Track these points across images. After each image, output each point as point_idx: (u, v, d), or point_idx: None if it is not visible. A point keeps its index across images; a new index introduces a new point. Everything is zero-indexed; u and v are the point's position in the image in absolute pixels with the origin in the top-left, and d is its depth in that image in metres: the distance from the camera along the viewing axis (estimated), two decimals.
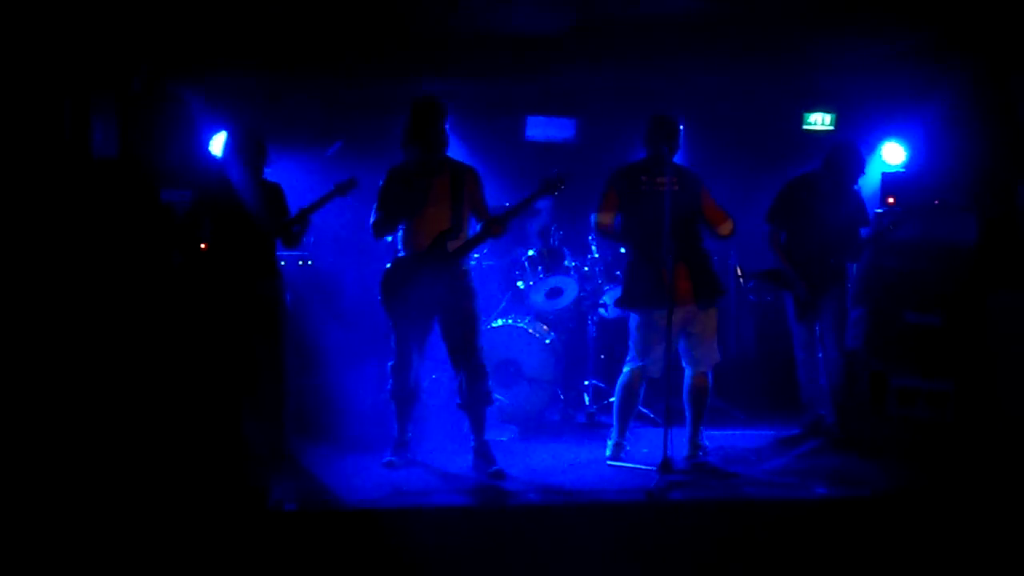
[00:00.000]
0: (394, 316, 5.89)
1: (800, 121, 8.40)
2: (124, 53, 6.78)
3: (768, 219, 6.72)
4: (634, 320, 6.07)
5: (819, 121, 8.42)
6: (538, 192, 5.88)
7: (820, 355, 6.75)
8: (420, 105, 5.83)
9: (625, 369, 6.14)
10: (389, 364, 5.97)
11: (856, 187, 6.76)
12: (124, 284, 2.33)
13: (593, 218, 6.11)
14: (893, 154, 8.18)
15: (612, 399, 6.31)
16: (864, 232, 6.75)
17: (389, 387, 6.00)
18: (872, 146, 8.34)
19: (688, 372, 6.06)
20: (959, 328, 7.01)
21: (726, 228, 6.08)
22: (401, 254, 5.90)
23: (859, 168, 6.60)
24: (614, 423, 6.19)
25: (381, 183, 5.93)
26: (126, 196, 6.23)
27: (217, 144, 7.48)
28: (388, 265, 5.96)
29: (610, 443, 6.18)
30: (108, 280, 2.26)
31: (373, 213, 5.90)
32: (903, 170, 8.03)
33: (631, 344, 6.10)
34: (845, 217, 6.61)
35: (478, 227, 5.94)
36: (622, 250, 7.03)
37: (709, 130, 8.29)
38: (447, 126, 5.89)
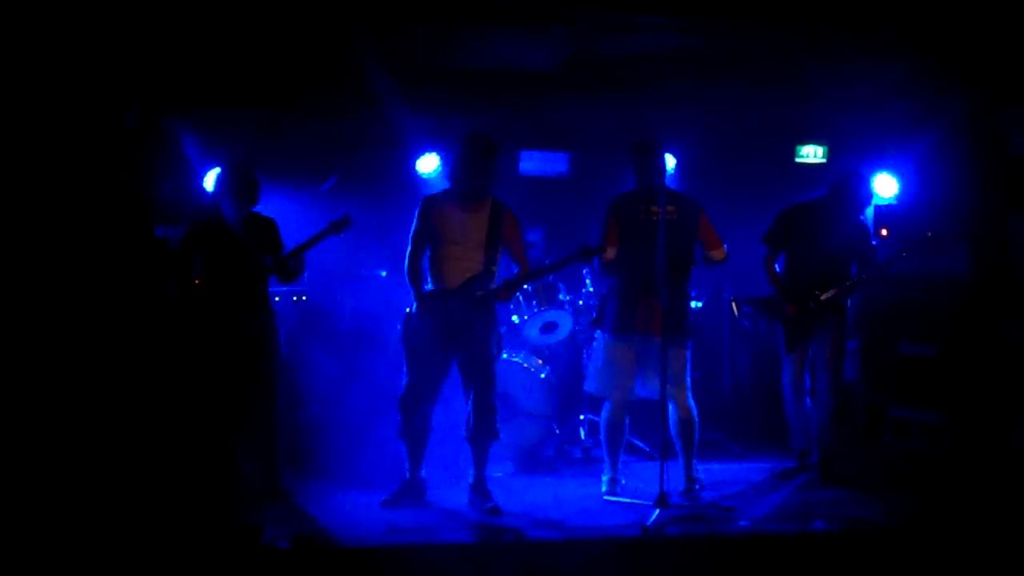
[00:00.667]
0: (413, 353, 5.83)
1: (793, 154, 8.43)
2: (118, 89, 6.80)
3: (764, 240, 6.63)
4: (601, 345, 6.12)
5: (811, 154, 8.44)
6: (575, 255, 5.82)
7: (808, 388, 6.64)
8: (475, 140, 5.82)
9: (607, 404, 6.15)
10: (399, 398, 5.87)
11: (862, 219, 6.70)
12: (118, 318, 2.33)
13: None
14: (885, 186, 8.20)
15: None
16: (855, 269, 6.69)
17: (398, 424, 5.89)
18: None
19: (672, 406, 6.02)
20: (954, 359, 7.02)
21: (719, 254, 6.11)
22: (428, 287, 5.87)
23: (866, 199, 6.57)
24: (605, 459, 6.18)
25: (417, 212, 5.88)
26: (120, 232, 6.22)
27: (211, 180, 7.48)
28: (415, 303, 5.88)
29: (604, 478, 6.16)
30: (102, 314, 2.26)
31: (409, 246, 5.89)
32: (895, 202, 8.06)
33: (597, 376, 6.17)
34: (846, 248, 6.53)
35: (512, 268, 5.96)
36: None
37: (702, 163, 8.30)
38: (496, 164, 5.86)
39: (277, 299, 6.91)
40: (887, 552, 5.17)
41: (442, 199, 5.93)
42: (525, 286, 6.09)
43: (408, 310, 5.90)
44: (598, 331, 6.22)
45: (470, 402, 5.80)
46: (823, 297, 6.36)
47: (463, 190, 5.83)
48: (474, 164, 5.77)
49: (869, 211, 7.96)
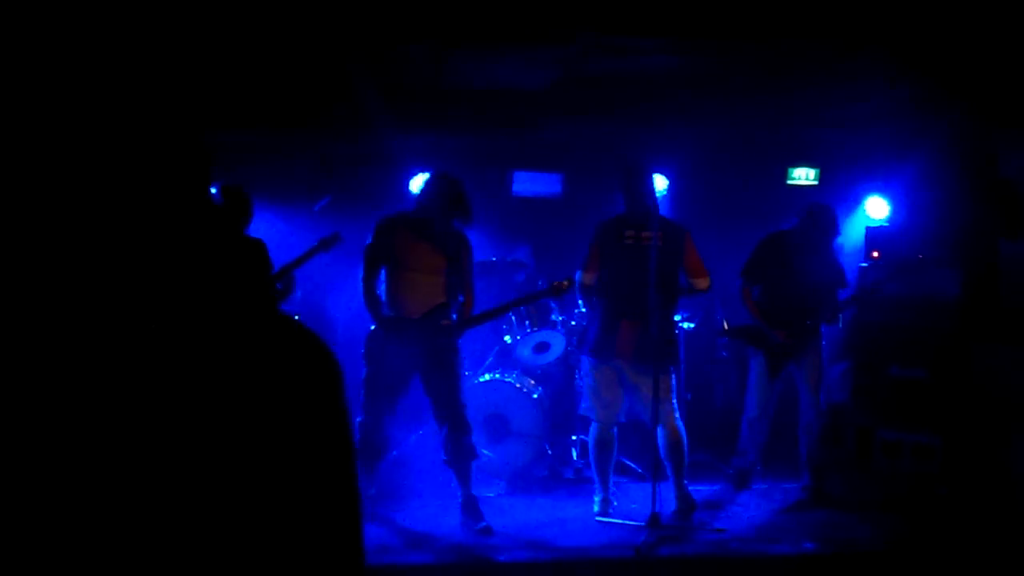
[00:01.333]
0: (372, 376, 5.83)
1: (784, 176, 8.47)
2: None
3: (742, 273, 6.71)
4: (585, 368, 6.19)
5: (803, 176, 8.49)
6: (546, 292, 6.18)
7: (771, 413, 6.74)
8: (444, 178, 5.91)
9: (593, 425, 6.17)
10: (357, 421, 5.86)
11: (835, 248, 6.76)
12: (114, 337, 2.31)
13: (578, 276, 6.13)
14: (877, 209, 8.26)
15: None
16: (842, 294, 6.74)
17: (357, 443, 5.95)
18: (856, 200, 8.42)
19: (660, 429, 6.00)
20: (944, 382, 7.05)
21: (703, 283, 6.14)
22: (388, 312, 5.87)
23: (835, 230, 6.63)
24: (595, 479, 6.19)
25: (374, 232, 5.90)
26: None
27: None
28: (373, 327, 5.91)
29: (597, 499, 6.16)
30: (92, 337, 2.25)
31: (364, 266, 5.90)
32: (887, 224, 8.10)
33: (586, 397, 6.23)
34: (821, 276, 6.60)
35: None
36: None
37: (693, 184, 8.35)
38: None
39: None
40: (878, 573, 5.18)
41: (401, 224, 5.90)
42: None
43: (372, 328, 5.90)
44: (582, 355, 6.25)
45: (444, 426, 5.81)
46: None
47: (428, 221, 5.86)
48: (448, 204, 5.82)
49: (860, 233, 8.02)
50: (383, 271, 5.86)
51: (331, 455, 1.79)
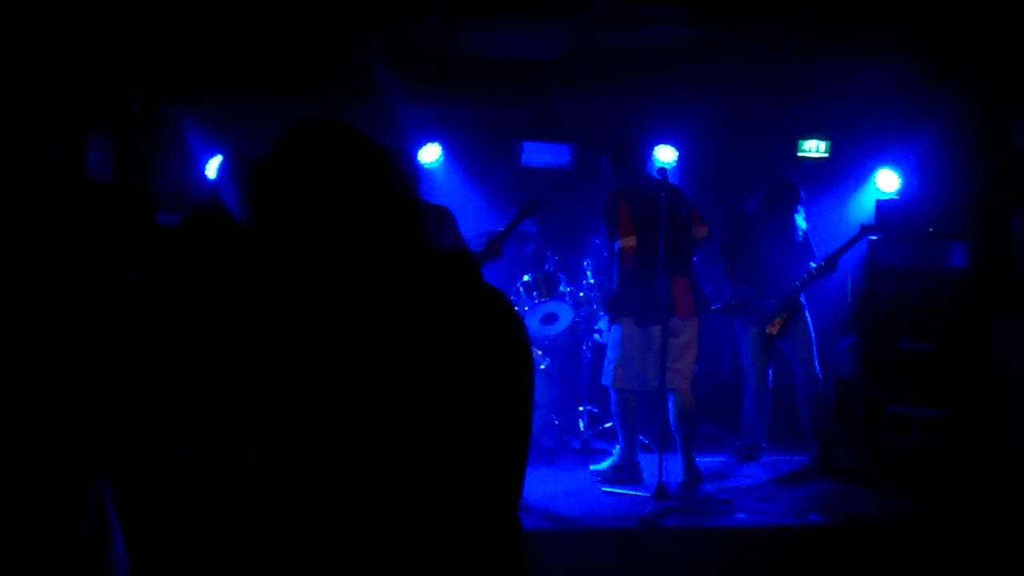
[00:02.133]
0: None
1: (795, 148, 8.43)
2: (120, 76, 6.80)
3: (722, 254, 6.84)
4: (617, 337, 6.14)
5: (814, 148, 8.45)
6: (519, 216, 6.21)
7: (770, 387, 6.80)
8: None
9: (620, 392, 6.17)
10: None
11: (797, 223, 6.75)
12: (118, 305, 2.31)
13: (617, 245, 6.08)
14: (887, 181, 8.21)
15: (608, 424, 6.32)
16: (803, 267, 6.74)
17: None
18: (867, 173, 8.38)
19: (672, 398, 6.05)
20: (953, 355, 7.03)
21: (704, 231, 6.29)
22: None
23: (792, 203, 6.63)
24: (622, 444, 6.22)
25: None
26: (121, 219, 6.21)
27: (212, 168, 7.48)
28: None
29: (609, 463, 6.19)
30: (101, 301, 2.24)
31: None
32: (897, 197, 8.06)
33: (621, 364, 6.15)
34: (789, 250, 6.66)
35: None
36: None
37: (703, 156, 8.32)
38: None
39: None
40: (884, 546, 5.19)
41: None
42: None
43: None
44: (614, 324, 6.22)
45: None
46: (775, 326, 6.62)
47: None
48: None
49: (870, 205, 7.98)
50: None
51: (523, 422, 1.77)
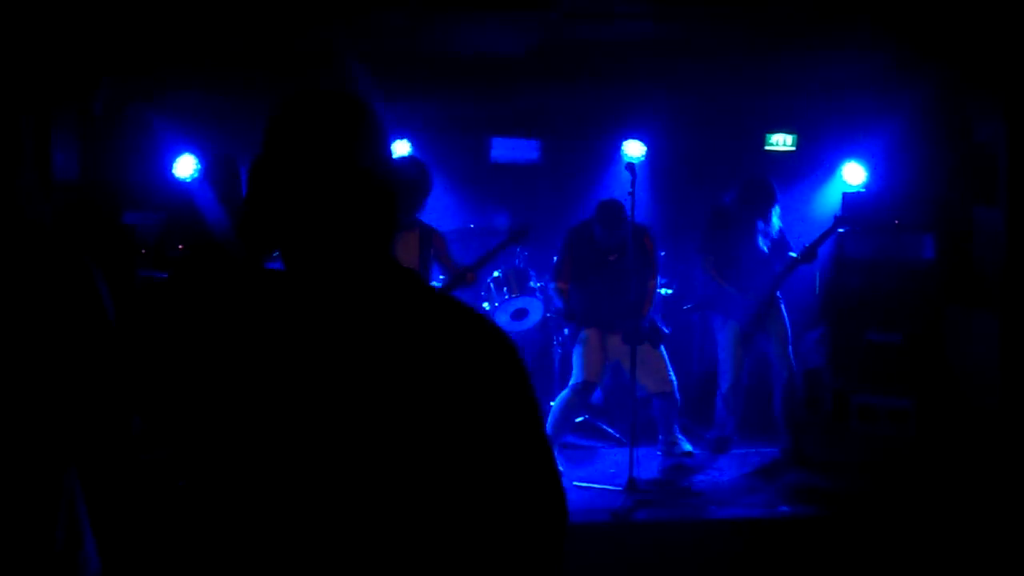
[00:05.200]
0: None
1: (762, 142, 8.48)
2: (85, 74, 6.74)
3: (700, 251, 6.86)
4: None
5: (781, 142, 8.50)
6: (507, 241, 6.24)
7: (745, 383, 6.85)
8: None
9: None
10: None
11: (772, 221, 6.79)
12: (83, 309, 2.29)
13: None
14: (854, 174, 8.27)
15: (579, 420, 6.41)
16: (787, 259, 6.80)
17: None
18: (833, 166, 8.44)
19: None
20: (919, 346, 7.10)
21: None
22: None
23: (768, 202, 6.67)
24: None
25: None
26: (87, 218, 6.18)
27: (182, 166, 7.43)
28: None
29: None
30: (67, 300, 2.24)
31: None
32: (863, 190, 8.13)
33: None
34: (765, 248, 6.70)
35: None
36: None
37: (671, 150, 8.34)
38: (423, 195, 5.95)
39: None
40: (853, 536, 5.24)
41: None
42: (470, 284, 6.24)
43: None
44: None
45: None
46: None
47: None
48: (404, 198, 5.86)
49: (837, 198, 8.04)
50: None
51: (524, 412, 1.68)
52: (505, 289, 7.26)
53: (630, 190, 5.92)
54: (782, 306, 6.75)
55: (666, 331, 6.59)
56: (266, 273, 1.63)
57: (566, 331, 7.03)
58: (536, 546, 1.64)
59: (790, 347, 6.72)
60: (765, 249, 6.67)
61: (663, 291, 7.54)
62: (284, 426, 1.52)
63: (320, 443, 1.52)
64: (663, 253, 6.91)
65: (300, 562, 1.52)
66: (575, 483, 6.05)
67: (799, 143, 8.48)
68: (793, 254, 6.65)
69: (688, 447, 6.59)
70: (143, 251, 6.81)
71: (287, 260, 1.63)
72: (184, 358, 1.56)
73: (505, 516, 1.62)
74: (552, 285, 6.76)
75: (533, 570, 1.63)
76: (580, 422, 6.98)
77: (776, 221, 6.76)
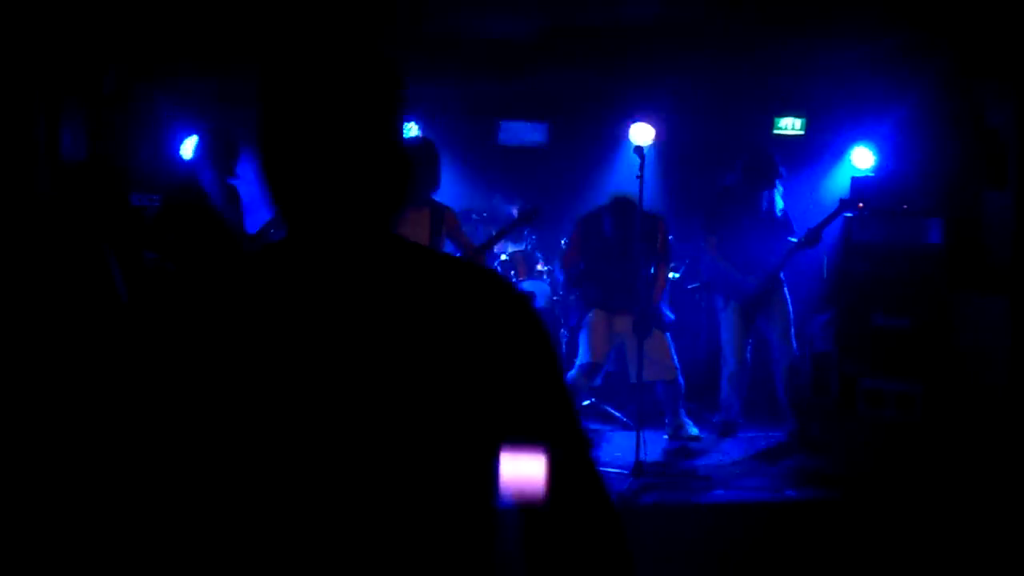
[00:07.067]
0: None
1: (771, 126, 8.45)
2: (93, 54, 6.73)
3: (705, 228, 6.84)
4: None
5: (789, 126, 8.48)
6: (517, 221, 6.27)
7: (749, 365, 6.86)
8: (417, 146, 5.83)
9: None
10: None
11: (776, 201, 6.77)
12: (92, 288, 2.28)
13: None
14: (862, 158, 8.25)
15: (585, 403, 6.40)
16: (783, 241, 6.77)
17: None
18: (842, 150, 8.41)
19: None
20: (927, 331, 7.09)
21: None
22: None
23: (771, 173, 6.63)
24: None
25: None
26: (95, 198, 6.16)
27: (188, 148, 7.43)
28: None
29: None
30: (75, 284, 2.22)
31: None
32: (872, 174, 8.10)
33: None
34: (769, 225, 6.68)
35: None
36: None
37: (680, 134, 8.32)
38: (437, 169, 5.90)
39: None
40: (859, 520, 5.24)
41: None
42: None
43: None
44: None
45: None
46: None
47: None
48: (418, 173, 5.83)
49: (846, 182, 8.01)
50: None
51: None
52: (512, 272, 7.26)
53: (638, 173, 5.91)
54: (785, 290, 6.74)
55: (671, 317, 6.59)
56: (271, 249, 1.57)
57: (572, 318, 7.04)
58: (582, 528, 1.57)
59: (792, 331, 6.72)
60: (769, 229, 6.65)
61: (672, 275, 7.54)
62: (302, 409, 1.44)
63: (341, 424, 1.44)
64: (671, 237, 6.89)
65: (326, 551, 1.44)
66: None
67: (808, 127, 8.46)
68: (793, 239, 6.64)
69: (695, 431, 6.61)
70: (148, 232, 6.82)
71: (294, 228, 1.53)
72: (191, 347, 1.49)
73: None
74: (559, 267, 6.79)
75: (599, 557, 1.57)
76: (587, 405, 6.99)
77: (780, 201, 6.74)
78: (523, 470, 1.55)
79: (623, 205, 6.39)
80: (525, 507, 1.56)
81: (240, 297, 1.50)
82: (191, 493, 1.46)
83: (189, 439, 1.45)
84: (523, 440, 1.54)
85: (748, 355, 6.80)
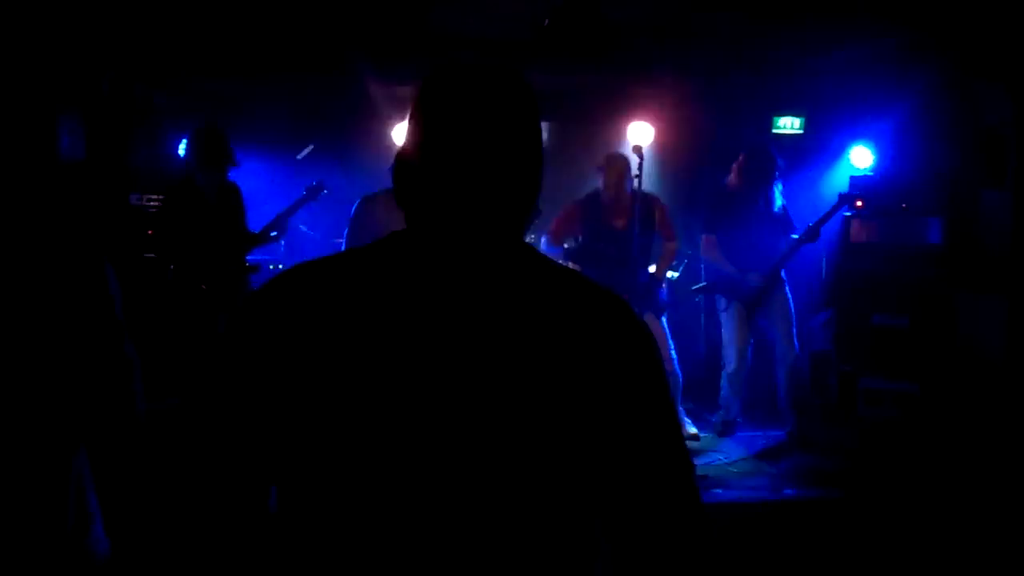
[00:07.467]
0: None
1: (769, 125, 8.44)
2: (92, 55, 6.73)
3: (705, 228, 6.81)
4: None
5: (788, 125, 8.47)
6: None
7: (750, 363, 6.85)
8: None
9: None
10: None
11: (775, 198, 6.75)
12: (91, 286, 2.28)
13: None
14: (861, 158, 8.24)
15: None
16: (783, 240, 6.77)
17: None
18: (841, 149, 8.41)
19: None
20: (927, 330, 7.09)
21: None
22: None
23: (769, 167, 6.62)
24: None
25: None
26: (93, 199, 6.17)
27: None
28: None
29: None
30: (75, 283, 2.22)
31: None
32: (871, 173, 8.10)
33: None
34: (769, 222, 6.67)
35: None
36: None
37: (679, 133, 8.32)
38: None
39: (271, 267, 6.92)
40: (858, 519, 5.24)
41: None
42: None
43: None
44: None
45: None
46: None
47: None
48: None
49: (844, 181, 8.02)
50: None
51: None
52: None
53: (637, 172, 5.91)
54: (786, 288, 6.73)
55: (665, 299, 6.58)
56: (398, 246, 1.58)
57: None
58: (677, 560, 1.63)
59: (794, 329, 6.71)
60: (769, 227, 6.64)
61: (671, 275, 7.53)
62: (411, 407, 1.46)
63: (452, 429, 1.46)
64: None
65: (431, 553, 1.46)
66: None
67: (807, 126, 8.45)
68: (795, 236, 6.64)
69: (694, 430, 6.61)
70: (148, 232, 6.82)
71: (431, 229, 1.57)
72: (309, 339, 1.50)
73: (647, 524, 1.61)
74: (548, 240, 6.66)
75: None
76: None
77: (779, 198, 6.73)
78: (628, 494, 1.59)
79: (615, 159, 6.50)
80: (625, 529, 1.60)
81: (366, 291, 1.53)
82: (305, 486, 1.49)
83: (302, 432, 1.47)
84: (630, 463, 1.59)
85: (749, 355, 6.79)
